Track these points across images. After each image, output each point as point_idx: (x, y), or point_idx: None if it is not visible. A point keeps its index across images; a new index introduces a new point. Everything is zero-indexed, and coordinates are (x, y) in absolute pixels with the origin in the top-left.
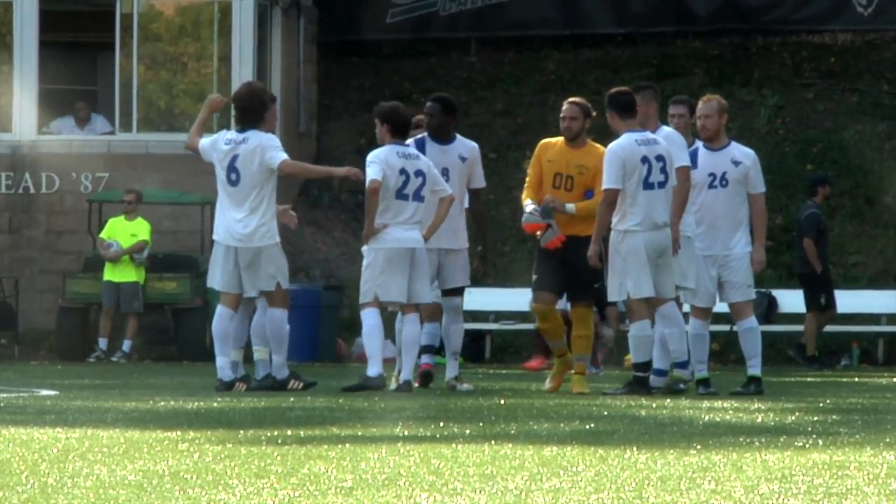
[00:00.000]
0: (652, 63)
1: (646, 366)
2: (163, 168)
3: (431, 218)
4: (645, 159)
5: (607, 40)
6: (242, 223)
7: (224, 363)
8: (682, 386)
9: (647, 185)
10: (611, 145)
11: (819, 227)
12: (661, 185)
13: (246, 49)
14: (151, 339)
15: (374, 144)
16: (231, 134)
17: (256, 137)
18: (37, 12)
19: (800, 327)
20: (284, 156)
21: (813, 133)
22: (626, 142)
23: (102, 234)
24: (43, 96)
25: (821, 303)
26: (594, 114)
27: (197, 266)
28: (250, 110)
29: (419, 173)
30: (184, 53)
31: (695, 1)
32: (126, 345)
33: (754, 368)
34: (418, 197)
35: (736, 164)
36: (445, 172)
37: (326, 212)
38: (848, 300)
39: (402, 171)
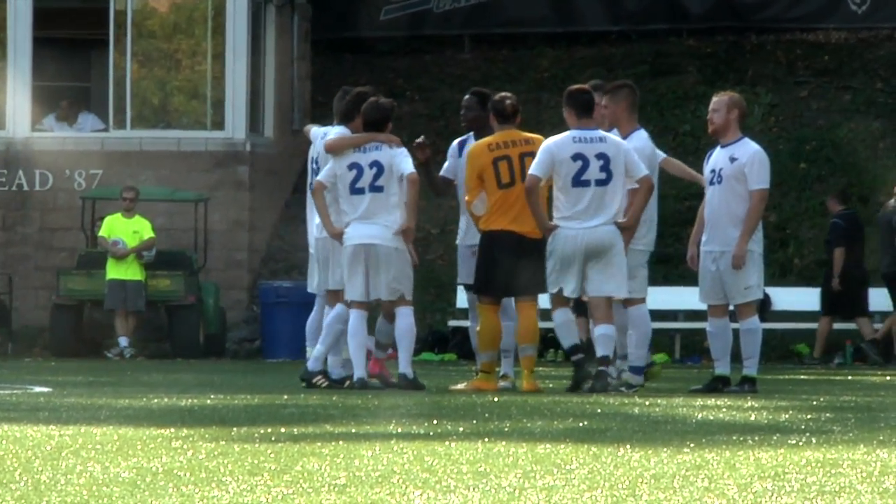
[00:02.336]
0: (646, 61)
1: (577, 348)
2: (156, 165)
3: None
4: (579, 156)
5: (601, 38)
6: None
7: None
8: (623, 389)
9: (580, 183)
10: (547, 140)
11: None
12: (600, 182)
13: (240, 46)
14: (145, 336)
15: None
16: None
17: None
18: (31, 9)
19: (793, 325)
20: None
21: (807, 131)
22: (563, 138)
23: (102, 233)
24: (37, 93)
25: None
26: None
27: (191, 263)
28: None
29: (374, 164)
30: (178, 50)
31: None
32: (124, 341)
33: (750, 369)
34: (375, 188)
35: (732, 160)
36: None
37: None
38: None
39: (353, 166)
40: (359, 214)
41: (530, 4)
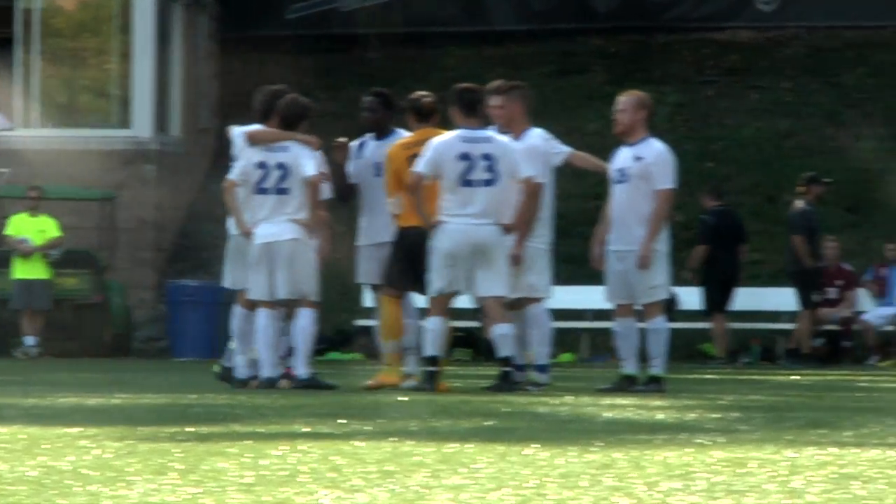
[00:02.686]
0: (553, 60)
1: (434, 360)
2: (63, 164)
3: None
4: (465, 156)
5: (509, 37)
6: None
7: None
8: (530, 388)
9: (466, 182)
10: (435, 138)
11: (810, 225)
12: (487, 182)
13: (147, 45)
14: (52, 335)
15: None
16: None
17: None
18: None
19: (700, 325)
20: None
21: (713, 131)
22: (451, 137)
23: (8, 231)
24: None
25: (812, 300)
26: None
27: (97, 262)
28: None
29: (280, 165)
30: (85, 49)
31: None
32: (31, 340)
33: (657, 368)
34: (280, 190)
35: (637, 159)
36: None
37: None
38: (748, 298)
39: (261, 165)
40: (264, 215)
41: (438, 3)
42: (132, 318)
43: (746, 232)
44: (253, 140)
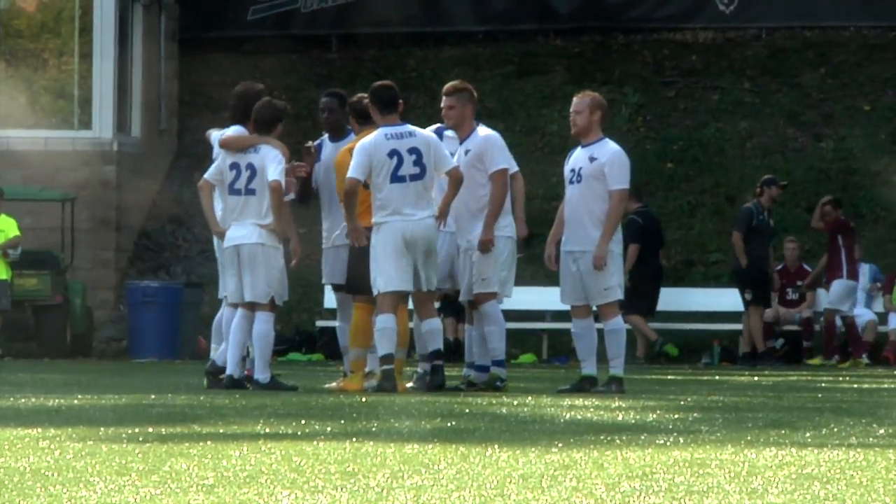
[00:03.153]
0: (513, 61)
1: (390, 358)
2: (23, 164)
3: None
4: (394, 153)
5: (469, 38)
6: None
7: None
8: (499, 384)
9: (397, 179)
10: (361, 139)
11: (751, 224)
12: (415, 177)
13: (107, 45)
14: (11, 336)
15: None
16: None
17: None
18: None
19: (661, 325)
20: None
21: (674, 131)
22: (376, 136)
23: None
24: None
25: (746, 298)
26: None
27: (57, 263)
28: None
29: (249, 166)
30: (45, 50)
31: None
32: None
33: (616, 369)
34: (249, 191)
35: (592, 160)
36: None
37: (188, 208)
38: (709, 298)
39: (234, 166)
40: (234, 216)
41: (398, 4)
42: (93, 318)
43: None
44: (226, 147)
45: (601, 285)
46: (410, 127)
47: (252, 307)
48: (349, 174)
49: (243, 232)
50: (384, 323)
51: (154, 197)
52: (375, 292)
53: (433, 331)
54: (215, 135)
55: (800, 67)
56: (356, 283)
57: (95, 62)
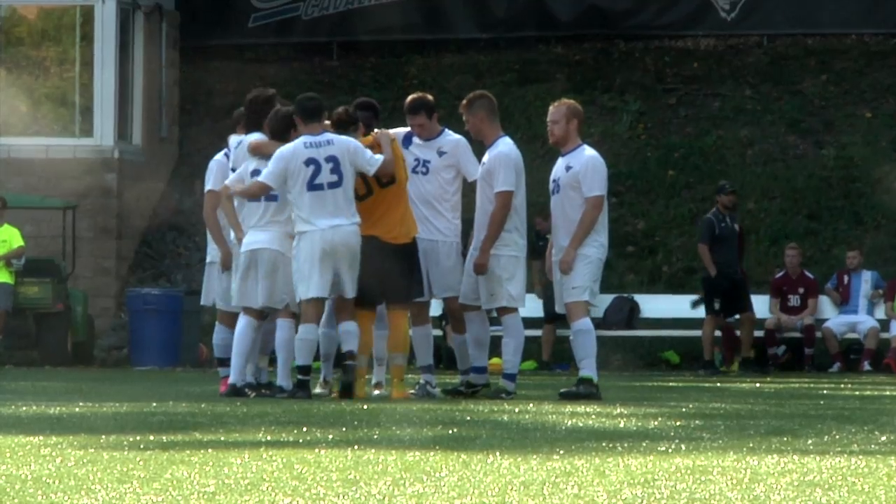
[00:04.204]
0: (514, 68)
1: (307, 369)
2: (24, 172)
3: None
4: (311, 161)
5: (470, 45)
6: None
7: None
8: (503, 395)
9: (314, 187)
10: (280, 148)
11: (714, 233)
12: (333, 185)
13: (108, 53)
14: (13, 343)
15: None
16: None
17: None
18: None
19: (662, 332)
20: None
21: (675, 139)
22: (295, 145)
23: None
24: None
25: (714, 307)
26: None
27: (59, 271)
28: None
29: (256, 173)
30: (46, 58)
31: (557, 6)
32: None
33: (586, 370)
34: (270, 197)
35: (568, 168)
36: None
37: (188, 216)
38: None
39: (256, 173)
40: (254, 222)
41: (398, 11)
42: (94, 326)
43: None
44: (257, 152)
45: (569, 284)
46: (329, 135)
47: (262, 315)
48: (261, 178)
49: (263, 237)
50: (305, 334)
51: (155, 205)
52: (297, 300)
53: (350, 332)
54: (233, 139)
55: (801, 74)
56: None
57: (97, 70)
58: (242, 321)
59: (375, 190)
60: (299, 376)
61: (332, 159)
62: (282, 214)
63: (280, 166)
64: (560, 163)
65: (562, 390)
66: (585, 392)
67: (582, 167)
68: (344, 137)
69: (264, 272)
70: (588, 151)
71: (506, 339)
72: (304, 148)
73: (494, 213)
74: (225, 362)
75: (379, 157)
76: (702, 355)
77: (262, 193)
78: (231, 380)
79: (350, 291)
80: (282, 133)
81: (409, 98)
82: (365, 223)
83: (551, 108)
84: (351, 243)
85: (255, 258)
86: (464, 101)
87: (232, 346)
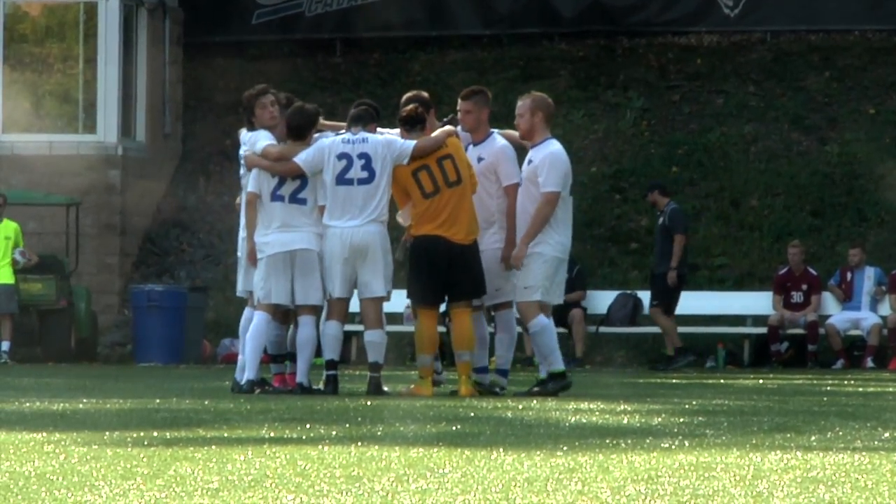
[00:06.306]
0: (518, 65)
1: (334, 364)
2: (27, 169)
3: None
4: (344, 156)
5: (473, 42)
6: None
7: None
8: (498, 390)
9: (343, 181)
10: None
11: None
12: (362, 181)
13: (111, 50)
14: (16, 340)
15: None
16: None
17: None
18: None
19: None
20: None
21: (678, 135)
22: (333, 139)
23: None
24: None
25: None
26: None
27: (62, 267)
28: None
29: (299, 176)
30: (49, 55)
31: (561, 2)
32: (5, 345)
33: (555, 364)
34: (295, 199)
35: (530, 162)
36: None
37: (192, 213)
38: (713, 302)
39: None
40: (278, 224)
41: (402, 8)
42: (97, 323)
43: None
44: (273, 170)
45: (521, 284)
46: (366, 134)
47: (287, 315)
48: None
49: (296, 236)
50: (331, 329)
51: (158, 201)
52: (328, 297)
53: (372, 342)
54: (244, 135)
55: (805, 71)
56: (414, 291)
57: (100, 67)
58: (260, 318)
59: (442, 188)
60: (327, 371)
61: (364, 156)
62: (310, 217)
63: (317, 156)
64: (528, 156)
65: (534, 388)
66: (556, 387)
67: (541, 161)
68: (377, 136)
69: (300, 272)
70: (553, 146)
71: (499, 335)
72: (342, 143)
73: (510, 205)
74: (276, 359)
75: (411, 142)
76: (706, 352)
77: (290, 174)
78: (247, 377)
79: (378, 290)
80: (301, 130)
81: (405, 98)
82: (431, 224)
83: (518, 101)
84: (368, 241)
85: (283, 259)
86: (470, 90)
87: (284, 343)
